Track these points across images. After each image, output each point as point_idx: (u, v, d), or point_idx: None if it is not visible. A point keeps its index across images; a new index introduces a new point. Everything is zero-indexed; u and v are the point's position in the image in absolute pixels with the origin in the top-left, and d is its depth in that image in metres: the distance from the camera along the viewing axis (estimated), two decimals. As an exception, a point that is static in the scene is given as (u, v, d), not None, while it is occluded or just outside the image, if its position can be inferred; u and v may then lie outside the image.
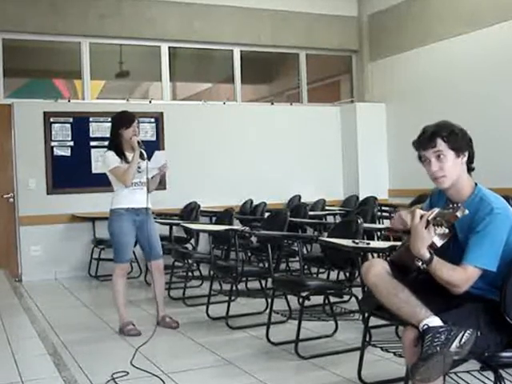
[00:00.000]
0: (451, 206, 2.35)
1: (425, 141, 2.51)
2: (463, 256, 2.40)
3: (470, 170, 2.56)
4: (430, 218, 2.34)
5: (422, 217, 2.38)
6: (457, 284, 2.37)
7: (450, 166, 2.48)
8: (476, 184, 2.55)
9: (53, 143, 7.30)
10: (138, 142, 4.55)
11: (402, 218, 2.63)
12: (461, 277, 2.37)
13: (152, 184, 4.71)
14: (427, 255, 2.36)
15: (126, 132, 4.57)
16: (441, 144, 2.48)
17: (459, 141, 2.50)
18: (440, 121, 2.58)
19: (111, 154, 4.57)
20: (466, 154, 2.53)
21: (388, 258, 2.70)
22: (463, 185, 2.52)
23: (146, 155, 4.68)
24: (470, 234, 2.42)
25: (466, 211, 2.29)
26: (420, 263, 2.37)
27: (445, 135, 2.48)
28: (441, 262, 2.38)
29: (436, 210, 2.37)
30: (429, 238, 2.34)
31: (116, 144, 4.61)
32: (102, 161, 4.64)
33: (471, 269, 2.37)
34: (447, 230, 2.34)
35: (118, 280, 4.64)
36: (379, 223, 6.52)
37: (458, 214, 2.28)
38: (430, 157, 2.50)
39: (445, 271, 2.37)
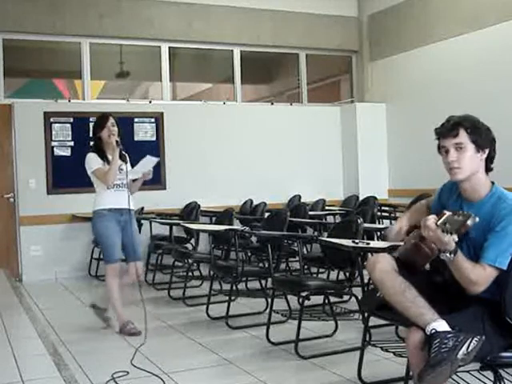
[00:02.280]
0: (461, 212, 2.30)
1: (447, 129, 2.47)
2: (481, 255, 2.37)
3: (487, 169, 2.52)
4: (439, 223, 2.29)
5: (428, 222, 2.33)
6: (476, 281, 2.33)
7: (468, 160, 2.44)
8: (493, 183, 2.51)
9: (53, 143, 7.31)
10: (117, 142, 4.56)
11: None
12: (481, 275, 2.34)
13: (133, 187, 4.73)
14: (453, 244, 2.29)
15: (102, 133, 4.60)
16: (462, 135, 2.44)
17: (482, 136, 2.47)
18: (466, 114, 2.53)
19: (93, 156, 4.59)
20: (487, 151, 2.49)
21: (393, 254, 2.65)
22: (479, 182, 2.48)
23: (127, 157, 4.66)
24: (487, 233, 2.39)
25: (477, 219, 2.24)
26: (448, 254, 2.31)
27: (468, 127, 2.45)
28: (464, 257, 2.35)
29: (446, 214, 2.32)
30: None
31: (96, 146, 4.64)
32: (86, 163, 4.62)
33: (489, 268, 2.34)
34: (457, 239, 2.28)
35: (111, 280, 4.61)
36: (379, 223, 6.52)
37: (469, 222, 2.23)
38: (449, 146, 2.46)
39: (467, 266, 2.34)
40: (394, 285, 2.42)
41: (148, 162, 4.67)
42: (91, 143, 4.81)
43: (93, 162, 4.57)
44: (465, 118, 2.49)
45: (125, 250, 4.73)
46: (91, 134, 4.76)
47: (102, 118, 4.66)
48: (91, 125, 7.35)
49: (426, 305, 2.33)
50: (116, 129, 4.62)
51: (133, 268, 4.69)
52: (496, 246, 2.35)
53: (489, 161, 2.52)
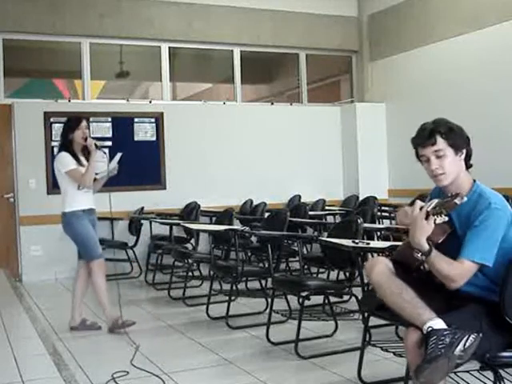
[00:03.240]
0: (450, 195, 2.35)
1: (424, 138, 2.50)
2: (460, 250, 2.40)
3: (468, 167, 2.56)
4: (429, 209, 2.35)
5: (421, 208, 2.39)
6: (454, 278, 2.37)
7: (450, 164, 2.48)
8: (474, 180, 2.55)
9: (53, 143, 7.28)
10: (95, 145, 4.57)
11: (406, 212, 2.62)
12: (458, 271, 2.37)
13: (99, 185, 4.76)
14: (426, 246, 2.36)
15: (75, 135, 4.59)
16: (440, 141, 2.47)
17: (458, 138, 2.51)
18: (437, 118, 2.57)
19: (67, 155, 4.57)
20: (464, 151, 2.53)
21: (390, 257, 2.68)
22: (462, 182, 2.52)
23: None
24: (467, 229, 2.43)
25: (465, 198, 2.30)
26: (419, 254, 2.38)
27: (444, 132, 2.48)
28: (439, 255, 2.38)
29: (435, 201, 2.38)
30: (428, 228, 2.35)
31: (67, 147, 4.61)
32: (58, 162, 4.59)
33: (468, 263, 2.37)
34: (447, 218, 2.34)
35: (97, 278, 4.61)
36: (379, 223, 6.52)
37: (457, 201, 2.29)
38: (428, 155, 2.49)
39: (443, 264, 2.37)
40: (391, 286, 2.46)
41: (116, 159, 4.72)
42: (60, 143, 4.75)
43: (68, 161, 4.55)
44: (438, 123, 2.52)
45: None
46: (61, 135, 4.72)
47: (76, 120, 4.67)
48: (91, 125, 7.40)
49: (422, 305, 2.36)
50: (88, 131, 4.67)
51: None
52: (474, 240, 2.39)
53: (467, 158, 2.56)
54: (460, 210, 2.44)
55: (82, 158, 4.65)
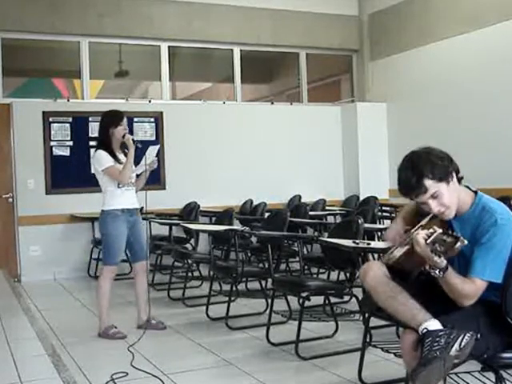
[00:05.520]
0: (450, 233, 2.26)
1: (412, 190, 2.37)
2: (469, 268, 2.35)
3: (459, 180, 2.45)
4: (428, 242, 2.27)
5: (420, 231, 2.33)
6: (467, 296, 2.33)
7: (448, 197, 2.38)
8: (476, 193, 2.48)
9: (52, 143, 7.29)
10: (133, 140, 4.48)
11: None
12: (471, 289, 2.33)
13: (141, 182, 4.65)
14: (444, 262, 2.28)
15: (116, 130, 4.48)
16: (430, 184, 2.34)
17: (443, 168, 2.37)
18: (413, 155, 2.43)
19: (105, 154, 4.44)
20: (454, 173, 2.41)
21: (386, 264, 2.64)
22: (463, 200, 2.45)
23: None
24: (474, 246, 2.36)
25: (465, 242, 2.20)
26: (437, 271, 2.30)
27: (429, 172, 2.34)
28: (454, 273, 2.33)
29: (436, 233, 2.26)
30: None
31: (107, 143, 4.49)
32: (96, 160, 4.46)
33: (478, 281, 2.33)
34: (445, 262, 2.27)
35: (106, 283, 4.50)
36: (380, 223, 6.50)
37: (457, 246, 2.21)
38: (425, 200, 2.38)
39: (457, 282, 2.32)
40: (385, 290, 2.44)
41: (151, 152, 4.59)
42: (97, 139, 4.66)
43: (105, 159, 4.42)
44: (420, 165, 2.36)
45: (132, 249, 4.67)
46: (100, 130, 4.58)
47: (119, 115, 4.53)
48: (90, 124, 7.41)
49: (418, 306, 2.34)
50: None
51: (143, 266, 4.65)
52: (483, 258, 2.34)
53: (456, 174, 2.43)
54: (462, 223, 2.42)
55: (121, 156, 4.52)
